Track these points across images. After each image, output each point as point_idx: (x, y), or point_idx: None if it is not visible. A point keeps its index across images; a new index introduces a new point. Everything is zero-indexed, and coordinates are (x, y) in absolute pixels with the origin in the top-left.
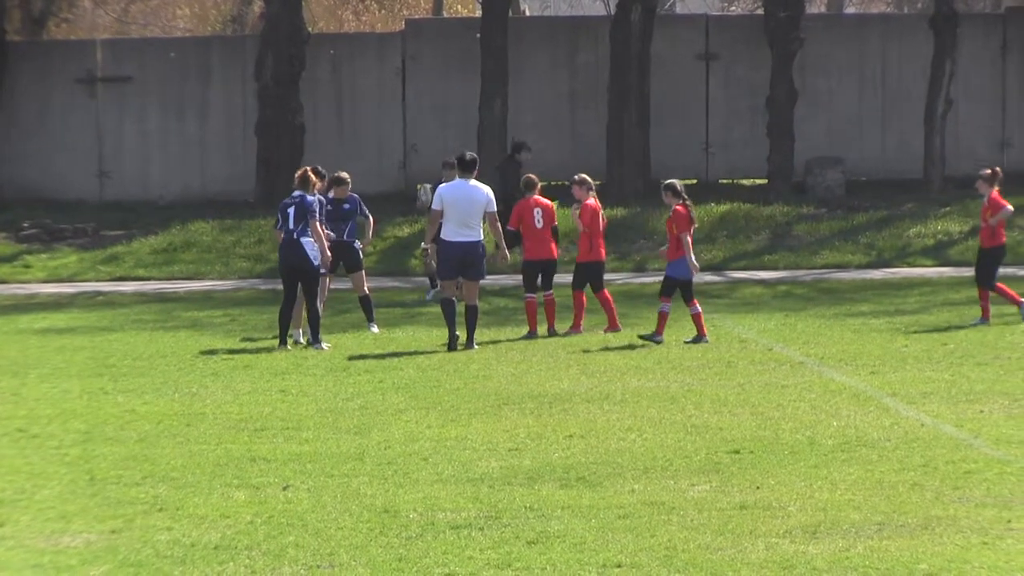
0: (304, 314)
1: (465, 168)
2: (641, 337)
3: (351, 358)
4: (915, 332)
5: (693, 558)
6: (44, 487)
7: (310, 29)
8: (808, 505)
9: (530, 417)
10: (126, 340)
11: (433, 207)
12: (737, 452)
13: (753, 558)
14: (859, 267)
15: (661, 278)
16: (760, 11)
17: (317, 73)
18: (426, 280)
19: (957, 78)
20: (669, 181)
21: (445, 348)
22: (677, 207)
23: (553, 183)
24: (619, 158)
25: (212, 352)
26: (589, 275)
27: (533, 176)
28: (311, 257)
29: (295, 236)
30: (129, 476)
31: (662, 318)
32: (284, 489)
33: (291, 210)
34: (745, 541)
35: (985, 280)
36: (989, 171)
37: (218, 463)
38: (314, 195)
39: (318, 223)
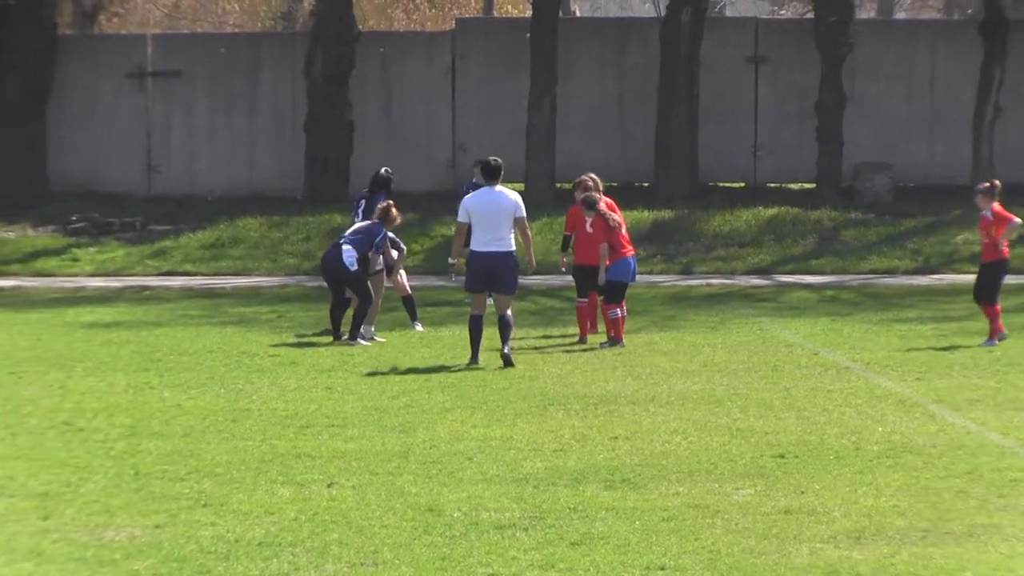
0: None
1: (490, 174)
2: (602, 345)
3: (397, 356)
4: (962, 338)
5: (737, 562)
6: (89, 481)
7: (360, 27)
8: (853, 511)
9: (575, 418)
10: (172, 335)
11: (459, 219)
12: (782, 456)
13: (797, 563)
14: (906, 273)
15: (707, 281)
16: (810, 15)
17: (366, 71)
18: None
19: (1006, 85)
20: (585, 195)
21: (468, 362)
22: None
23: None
24: (667, 160)
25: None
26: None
27: (592, 195)
28: (347, 264)
29: (339, 243)
30: (174, 471)
31: (613, 324)
32: (329, 486)
33: (359, 214)
34: (789, 546)
35: (988, 297)
36: (988, 184)
37: (263, 459)
38: (386, 230)
39: (380, 255)
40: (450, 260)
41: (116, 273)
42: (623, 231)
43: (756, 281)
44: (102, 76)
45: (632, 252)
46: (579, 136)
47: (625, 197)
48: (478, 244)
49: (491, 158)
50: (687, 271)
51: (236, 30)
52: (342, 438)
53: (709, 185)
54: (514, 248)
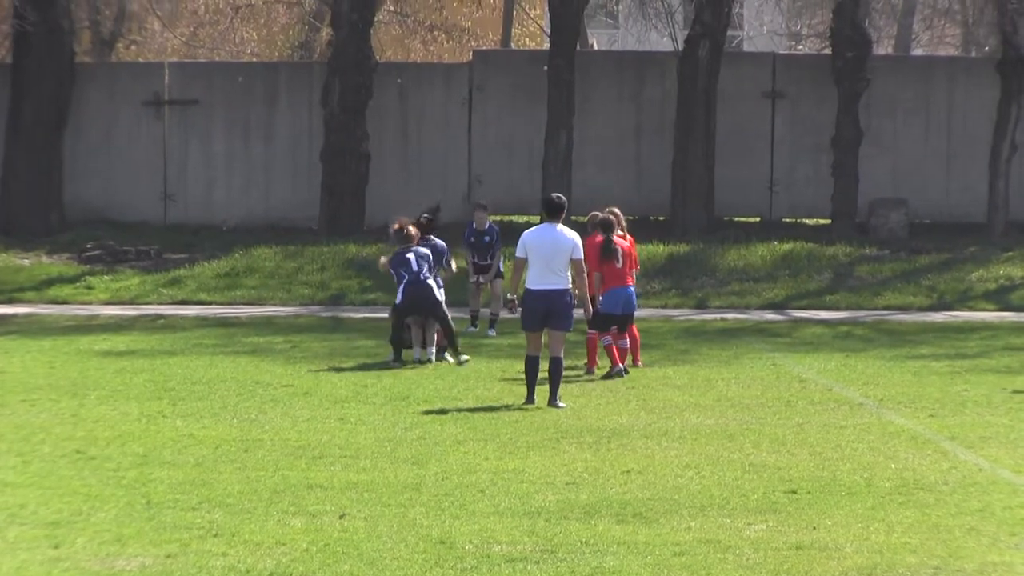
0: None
1: (551, 212)
2: (604, 377)
3: (411, 388)
4: (976, 375)
5: None
6: (100, 509)
7: (378, 58)
8: (864, 547)
9: (588, 451)
10: (186, 364)
11: (516, 254)
12: (794, 492)
13: None
14: (920, 309)
15: (721, 316)
16: (827, 51)
17: (383, 101)
18: (485, 312)
19: (1023, 122)
20: (602, 217)
21: (524, 401)
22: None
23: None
24: (683, 194)
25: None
26: None
27: (609, 218)
28: (437, 295)
29: (421, 278)
30: (185, 500)
31: (609, 352)
32: (341, 518)
33: (410, 255)
34: None
35: None
36: None
37: (275, 490)
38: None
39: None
40: (508, 295)
41: (130, 301)
42: (617, 263)
43: (770, 316)
44: (119, 104)
45: (622, 284)
46: (596, 169)
47: (641, 231)
48: (534, 282)
49: (554, 195)
50: (702, 305)
51: (254, 59)
52: (354, 469)
53: (725, 219)
54: (570, 286)
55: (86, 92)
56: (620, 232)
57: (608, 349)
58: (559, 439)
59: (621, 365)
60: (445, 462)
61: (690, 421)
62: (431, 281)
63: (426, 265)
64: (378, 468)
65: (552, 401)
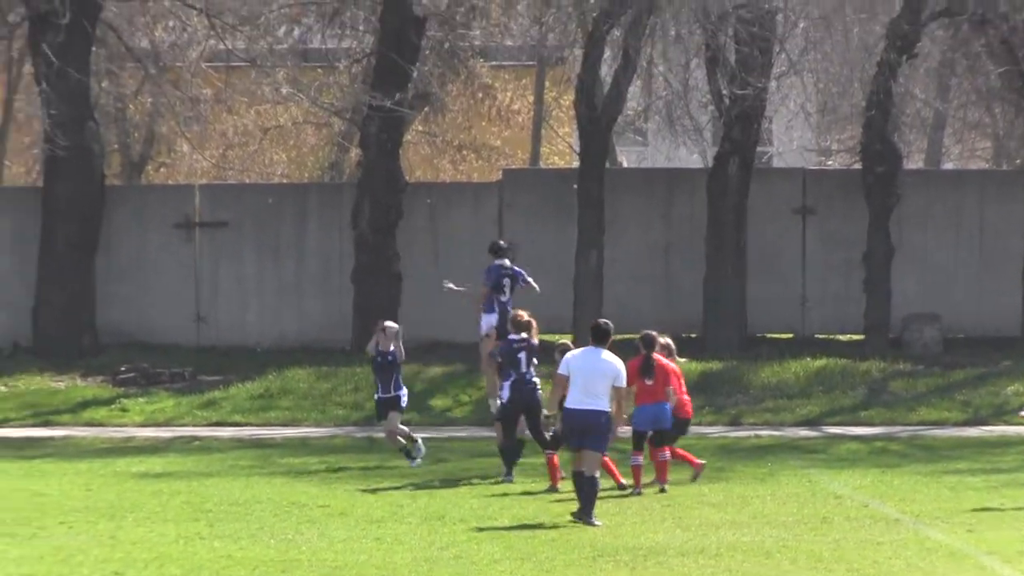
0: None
1: (598, 338)
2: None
3: (447, 507)
4: (1012, 490)
5: None
6: None
7: (407, 178)
8: None
9: (625, 570)
10: (222, 485)
11: (559, 371)
12: None
13: None
14: (955, 424)
15: (755, 433)
16: (857, 166)
17: (414, 221)
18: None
19: None
20: (644, 334)
21: (572, 516)
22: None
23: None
24: (715, 311)
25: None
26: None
27: (651, 333)
28: (538, 396)
29: (528, 378)
30: None
31: (634, 471)
32: None
33: (521, 354)
34: None
35: None
36: None
37: None
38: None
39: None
40: (545, 412)
41: (166, 423)
42: (647, 381)
43: (805, 432)
44: (149, 226)
45: (654, 400)
46: (626, 286)
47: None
48: (572, 402)
49: (601, 320)
50: (735, 422)
51: (283, 180)
52: None
53: (757, 336)
54: (609, 409)
55: (116, 215)
56: (664, 354)
57: (634, 469)
58: (595, 557)
59: (639, 488)
60: None
61: (726, 538)
62: (536, 380)
63: (532, 366)
64: None
65: (588, 519)
